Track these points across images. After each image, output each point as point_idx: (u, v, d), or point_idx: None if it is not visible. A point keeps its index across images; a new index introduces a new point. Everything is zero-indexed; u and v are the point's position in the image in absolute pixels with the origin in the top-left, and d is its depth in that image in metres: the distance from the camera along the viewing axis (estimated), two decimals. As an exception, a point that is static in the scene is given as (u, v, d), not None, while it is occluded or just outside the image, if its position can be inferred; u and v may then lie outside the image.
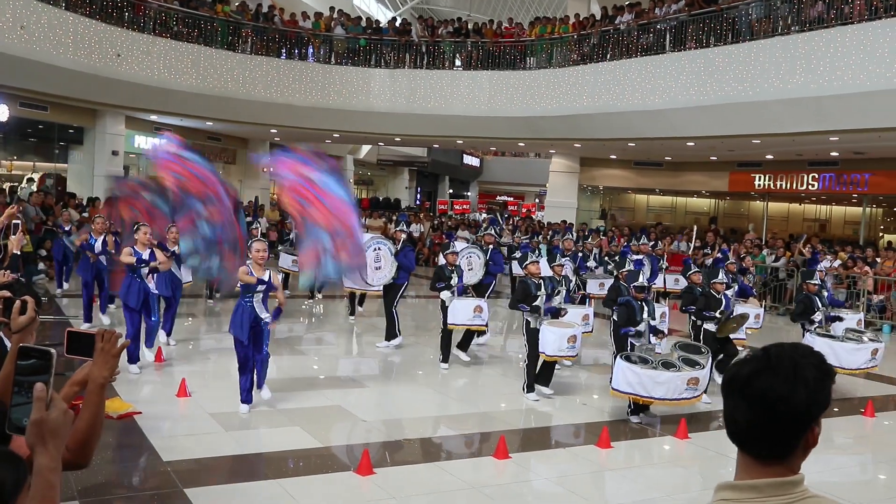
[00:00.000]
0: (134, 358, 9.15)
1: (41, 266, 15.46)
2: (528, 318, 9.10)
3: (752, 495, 1.61)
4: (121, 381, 8.61)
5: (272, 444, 7.16)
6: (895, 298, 16.66)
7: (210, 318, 13.46)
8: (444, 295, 10.61)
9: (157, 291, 9.47)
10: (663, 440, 8.02)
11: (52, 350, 1.85)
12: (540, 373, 9.24)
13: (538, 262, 9.46)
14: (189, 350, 10.66)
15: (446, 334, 10.59)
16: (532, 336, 9.06)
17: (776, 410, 1.58)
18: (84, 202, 19.81)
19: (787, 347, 1.67)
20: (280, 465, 6.56)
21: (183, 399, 8.31)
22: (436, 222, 28.20)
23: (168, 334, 10.76)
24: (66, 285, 14.35)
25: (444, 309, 10.56)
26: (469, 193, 43.74)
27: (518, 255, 16.20)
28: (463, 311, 10.55)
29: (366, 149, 33.98)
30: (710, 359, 8.75)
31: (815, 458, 6.34)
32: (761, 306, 12.82)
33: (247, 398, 7.95)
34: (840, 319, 10.83)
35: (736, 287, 11.59)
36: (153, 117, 22.88)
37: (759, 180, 24.46)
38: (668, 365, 8.19)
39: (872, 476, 7.60)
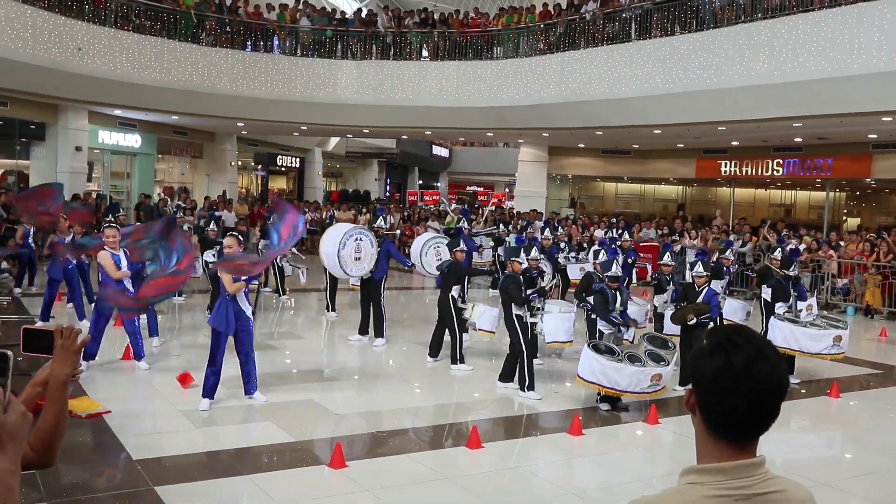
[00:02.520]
0: (90, 355, 9.07)
1: (4, 265, 15.23)
2: (519, 313, 9.02)
3: (719, 478, 1.65)
4: (88, 381, 8.52)
5: (244, 440, 7.13)
6: (859, 281, 16.94)
7: (178, 315, 13.35)
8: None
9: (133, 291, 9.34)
10: (634, 426, 8.10)
11: (9, 352, 1.82)
12: (508, 369, 9.28)
13: (521, 261, 9.43)
14: (159, 347, 10.56)
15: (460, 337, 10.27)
16: (526, 330, 9.04)
17: (777, 395, 1.66)
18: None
19: (746, 330, 1.74)
20: (252, 461, 6.53)
21: (154, 396, 8.25)
22: (406, 214, 28.17)
23: (153, 335, 10.66)
24: (32, 288, 14.17)
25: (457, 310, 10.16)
26: (439, 184, 43.70)
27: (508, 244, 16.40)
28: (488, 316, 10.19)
29: (334, 141, 33.81)
30: (678, 353, 8.80)
31: (783, 438, 6.47)
32: (744, 299, 12.91)
33: (209, 393, 7.88)
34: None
35: (726, 280, 11.64)
36: (117, 112, 22.59)
37: (726, 167, 24.73)
38: (633, 358, 8.26)
39: (839, 454, 7.75)
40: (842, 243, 18.14)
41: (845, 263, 17.35)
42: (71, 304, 11.91)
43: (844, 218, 26.21)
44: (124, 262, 9.17)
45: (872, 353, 12.60)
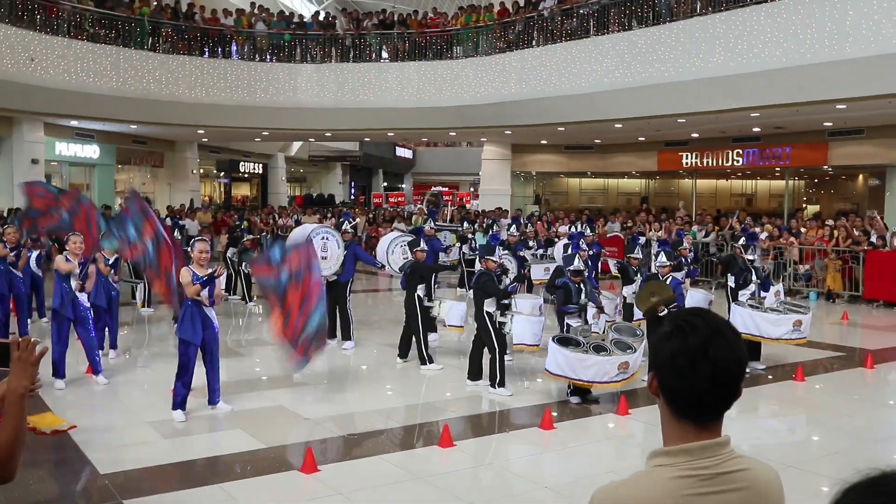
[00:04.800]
0: (60, 373, 8.89)
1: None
2: (490, 310, 9.04)
3: (685, 459, 1.67)
4: (51, 396, 8.37)
5: (213, 449, 7.04)
6: (819, 267, 17.20)
7: (141, 326, 13.17)
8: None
9: (88, 304, 9.18)
10: (605, 418, 8.14)
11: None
12: (476, 367, 9.28)
13: (495, 259, 9.43)
14: (125, 359, 10.40)
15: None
16: (498, 328, 9.04)
17: (735, 373, 1.68)
18: (5, 213, 19.14)
19: (706, 312, 1.75)
20: (222, 470, 6.45)
21: (119, 409, 8.12)
22: (371, 216, 28.07)
23: (112, 347, 10.50)
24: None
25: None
26: (403, 185, 43.66)
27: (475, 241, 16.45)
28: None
29: (296, 145, 33.61)
30: (646, 342, 8.86)
31: (750, 422, 6.53)
32: (712, 290, 13.04)
33: (181, 405, 7.78)
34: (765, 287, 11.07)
35: (686, 271, 11.72)
36: (73, 123, 22.24)
37: (687, 159, 24.99)
38: (599, 349, 8.30)
39: (805, 438, 7.85)
40: (802, 230, 18.42)
41: (806, 250, 17.62)
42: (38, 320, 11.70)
43: (804, 205, 26.61)
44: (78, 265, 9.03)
45: (835, 337, 12.81)
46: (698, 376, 1.65)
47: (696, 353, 1.65)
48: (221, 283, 8.04)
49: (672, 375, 1.68)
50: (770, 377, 9.93)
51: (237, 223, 18.34)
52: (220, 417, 7.89)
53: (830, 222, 18.46)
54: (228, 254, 16.27)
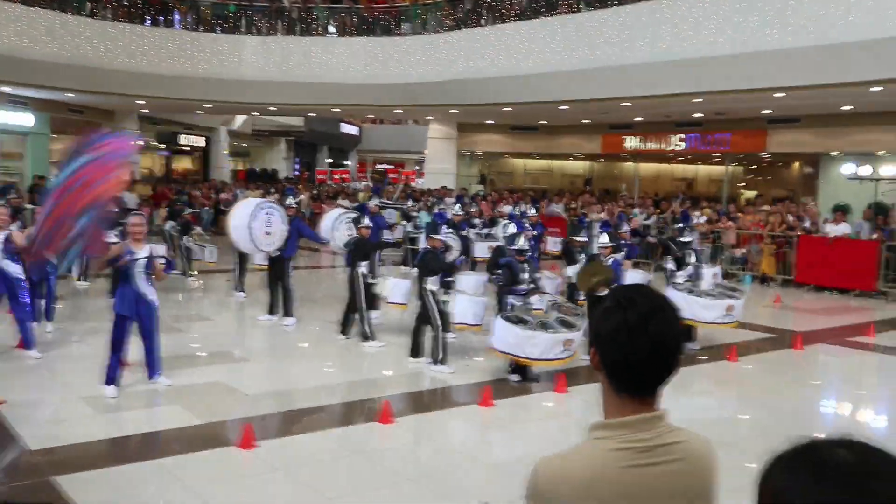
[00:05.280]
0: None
1: None
2: (433, 288, 9.05)
3: (624, 431, 1.71)
4: (-18, 370, 8.12)
5: (150, 425, 6.94)
6: (755, 251, 17.63)
7: (78, 300, 12.86)
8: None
9: (22, 276, 8.90)
10: (544, 396, 8.25)
11: None
12: (416, 345, 9.31)
13: (441, 238, 9.42)
14: (58, 333, 10.15)
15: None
16: (440, 307, 9.04)
17: (673, 348, 1.72)
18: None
19: (646, 288, 1.80)
20: (159, 446, 6.36)
21: (52, 384, 7.93)
22: (315, 192, 27.79)
23: (48, 320, 10.22)
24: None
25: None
26: (348, 162, 43.30)
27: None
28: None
29: (240, 119, 33.02)
30: (585, 320, 8.97)
31: (684, 401, 6.65)
32: (650, 271, 13.22)
33: (111, 379, 7.61)
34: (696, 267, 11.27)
35: (625, 252, 11.86)
36: (6, 89, 21.44)
37: (630, 142, 25.29)
38: (545, 326, 8.38)
39: (735, 415, 8.07)
40: (740, 214, 18.83)
41: (743, 234, 18.03)
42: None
43: (741, 191, 27.19)
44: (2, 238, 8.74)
45: (768, 319, 13.16)
46: (638, 350, 1.69)
47: (637, 327, 1.69)
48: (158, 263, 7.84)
49: (613, 348, 1.72)
50: (705, 357, 10.16)
51: (177, 197, 18.00)
52: (159, 393, 7.76)
53: (766, 208, 18.90)
54: (167, 227, 15.98)
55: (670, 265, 11.24)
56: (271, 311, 11.56)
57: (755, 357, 10.45)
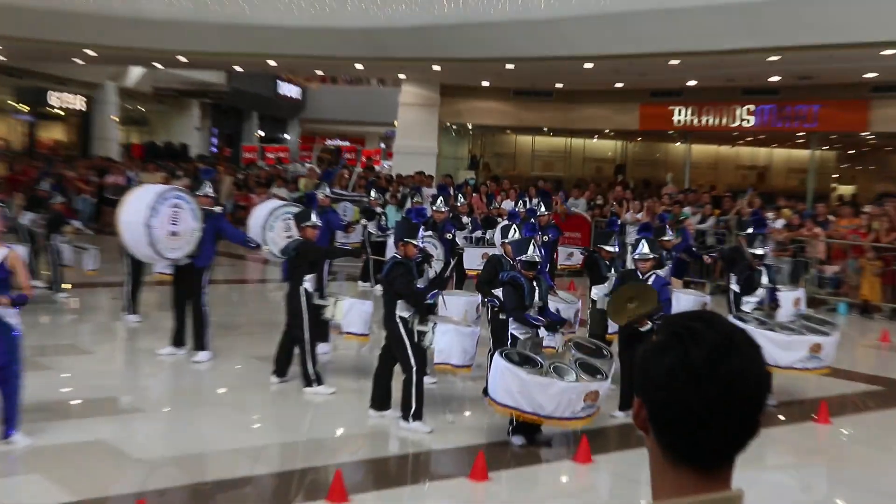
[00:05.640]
0: None
1: None
2: (405, 315, 8.97)
3: None
4: None
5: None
6: (853, 269, 17.64)
7: None
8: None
9: None
10: (558, 467, 8.21)
11: None
12: (382, 391, 9.26)
13: (417, 243, 9.34)
14: None
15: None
16: (415, 340, 8.97)
17: (754, 398, 1.70)
18: None
19: (713, 315, 1.77)
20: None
21: None
22: (240, 177, 27.71)
23: None
24: None
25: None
26: (287, 136, 43.25)
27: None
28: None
29: (136, 73, 32.91)
30: (615, 364, 8.95)
31: (752, 477, 6.59)
32: (706, 292, 13.21)
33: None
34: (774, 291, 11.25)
35: (669, 266, 11.85)
36: None
37: (680, 115, 25.37)
38: (560, 371, 8.33)
39: (825, 500, 8.05)
40: (831, 218, 18.87)
41: (835, 245, 18.07)
42: None
43: (834, 185, 27.33)
44: None
45: (871, 365, 13.21)
46: (703, 402, 1.66)
47: (701, 371, 1.66)
48: (23, 271, 7.79)
49: (668, 400, 1.69)
50: (782, 417, 10.15)
51: (42, 178, 17.79)
52: (15, 456, 7.65)
53: (869, 209, 18.96)
54: (25, 221, 15.68)
55: (734, 286, 11.25)
56: (177, 341, 11.46)
57: (853, 419, 10.45)
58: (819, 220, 18.67)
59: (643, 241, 10.07)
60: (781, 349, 10.07)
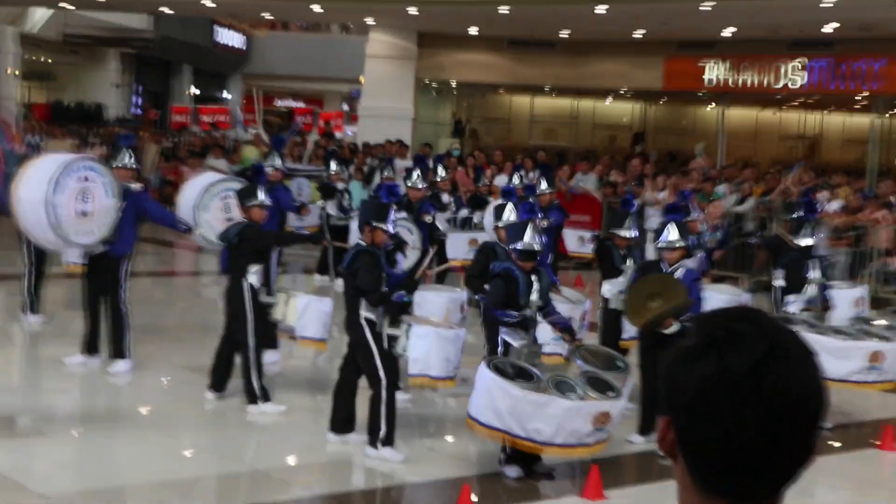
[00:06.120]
0: None
1: None
2: (370, 316, 8.93)
3: None
4: None
5: None
6: (924, 262, 17.72)
7: None
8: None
9: None
10: (563, 503, 8.18)
11: None
12: (344, 412, 9.23)
13: (387, 227, 9.31)
14: None
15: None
16: (382, 343, 8.93)
17: (807, 418, 1.68)
18: None
19: (758, 314, 1.73)
20: None
21: None
22: (168, 145, 27.60)
23: None
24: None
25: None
26: (227, 95, 43.14)
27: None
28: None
29: (40, 16, 32.77)
30: (630, 376, 8.92)
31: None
32: (742, 289, 13.20)
33: None
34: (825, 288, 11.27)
35: (701, 256, 11.83)
36: None
37: (713, 71, 25.40)
38: (563, 387, 8.29)
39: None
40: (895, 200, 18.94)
41: (903, 232, 18.12)
42: None
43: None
44: None
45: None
46: (744, 422, 1.63)
47: (743, 384, 1.64)
48: None
49: (700, 421, 1.67)
50: (838, 443, 10.17)
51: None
52: None
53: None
54: None
55: (779, 281, 11.26)
56: (89, 348, 11.40)
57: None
58: (883, 201, 18.72)
59: (670, 225, 10.03)
60: (834, 357, 10.04)
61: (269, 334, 10.53)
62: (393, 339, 9.00)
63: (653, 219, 17.75)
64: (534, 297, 9.03)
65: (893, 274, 17.99)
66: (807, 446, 1.67)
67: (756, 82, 24.97)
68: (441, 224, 14.47)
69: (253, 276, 10.06)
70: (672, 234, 9.87)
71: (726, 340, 1.67)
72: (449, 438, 9.59)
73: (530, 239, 9.13)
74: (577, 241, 16.03)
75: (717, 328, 1.70)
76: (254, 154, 22.71)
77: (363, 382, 9.08)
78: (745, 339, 1.66)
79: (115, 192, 11.11)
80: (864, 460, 9.81)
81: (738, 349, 1.65)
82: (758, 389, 1.63)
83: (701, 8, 20.16)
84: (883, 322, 11.30)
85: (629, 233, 11.15)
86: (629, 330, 10.27)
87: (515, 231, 9.39)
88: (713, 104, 27.73)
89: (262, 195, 10.54)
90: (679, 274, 9.68)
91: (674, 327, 8.98)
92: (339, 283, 10.69)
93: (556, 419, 8.06)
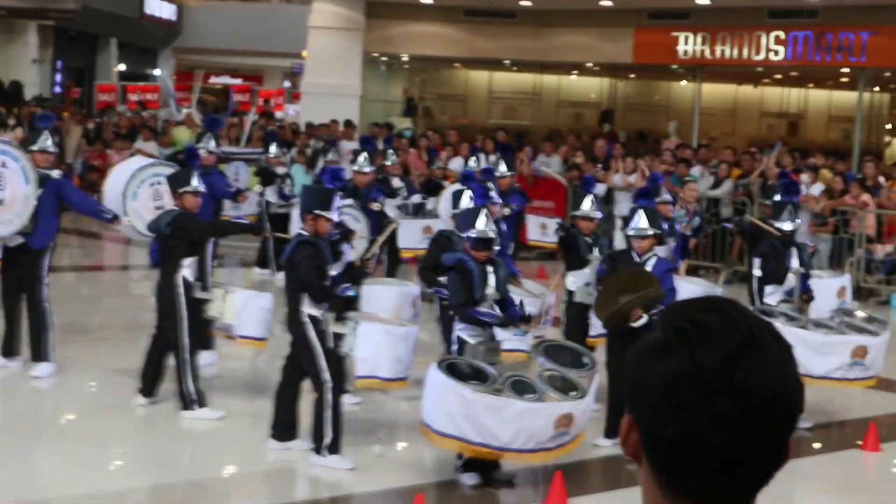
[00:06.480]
0: None
1: None
2: (314, 313, 8.93)
3: None
4: None
5: None
6: (911, 250, 17.85)
7: None
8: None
9: None
10: (524, 513, 8.27)
11: None
12: (286, 416, 9.25)
13: (331, 216, 9.32)
14: None
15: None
16: (331, 346, 8.95)
17: (782, 417, 1.67)
18: None
19: (728, 304, 1.74)
20: None
21: None
22: (93, 126, 27.44)
23: None
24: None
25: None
26: (157, 72, 42.91)
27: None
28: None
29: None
30: (597, 374, 8.96)
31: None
32: (719, 280, 13.28)
33: None
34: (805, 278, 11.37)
35: (673, 242, 11.89)
36: None
37: (686, 44, 25.46)
38: (522, 387, 8.32)
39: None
40: (884, 182, 19.05)
41: (889, 218, 18.26)
42: None
43: (888, 139, 27.61)
44: None
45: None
46: (714, 421, 1.63)
47: (713, 379, 1.64)
48: None
49: (666, 420, 1.66)
50: (819, 444, 10.29)
51: None
52: None
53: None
54: None
55: (757, 271, 11.35)
56: (7, 350, 11.37)
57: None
58: (868, 184, 18.81)
59: (640, 211, 10.07)
60: (815, 353, 10.12)
61: (204, 333, 10.54)
62: (339, 338, 9.01)
63: (622, 204, 17.86)
64: (489, 290, 9.06)
65: (878, 263, 18.11)
66: (781, 447, 1.67)
67: (734, 55, 25.04)
68: (391, 211, 14.45)
69: (186, 269, 10.04)
70: (642, 220, 9.90)
71: (695, 333, 1.66)
72: (401, 444, 9.64)
73: (484, 226, 9.13)
74: (538, 228, 15.94)
75: (686, 320, 1.68)
76: (185, 136, 22.65)
77: (307, 385, 9.11)
78: (716, 332, 1.65)
79: (32, 178, 11.07)
80: (846, 462, 9.93)
81: (707, 343, 1.64)
82: (729, 386, 1.62)
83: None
84: (863, 314, 11.42)
85: (593, 213, 11.14)
86: (597, 326, 10.19)
87: (467, 218, 9.38)
88: (687, 79, 27.81)
89: (195, 181, 10.52)
90: (650, 264, 9.74)
91: (642, 320, 9.00)
92: (280, 277, 10.72)
93: (513, 423, 8.06)
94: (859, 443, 10.14)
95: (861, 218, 18.07)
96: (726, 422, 1.63)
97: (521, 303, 9.63)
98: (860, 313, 11.42)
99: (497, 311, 8.94)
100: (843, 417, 11.03)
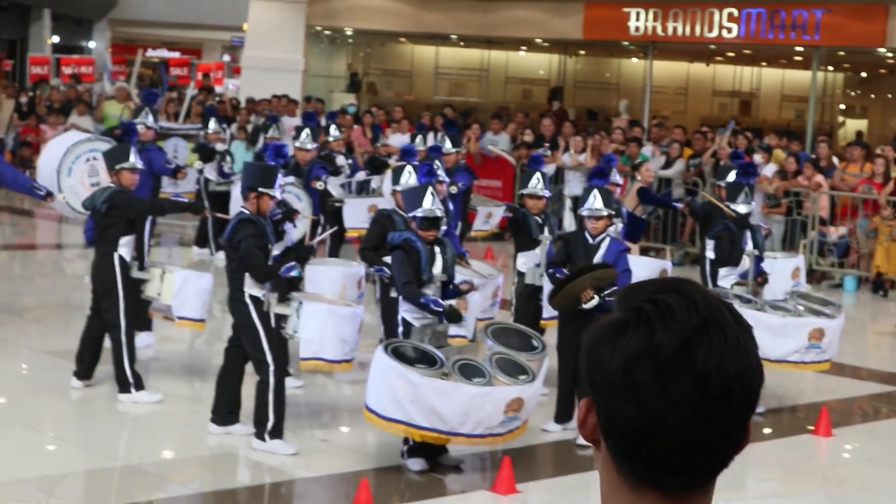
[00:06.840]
0: None
1: None
2: (256, 293, 8.89)
3: None
4: None
5: None
6: (864, 231, 17.94)
7: None
8: None
9: None
10: (472, 499, 8.29)
11: None
12: (228, 398, 9.22)
13: (275, 193, 9.26)
14: None
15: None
16: (274, 328, 8.95)
17: (742, 398, 1.67)
18: None
19: (687, 285, 1.74)
20: None
21: None
22: (25, 100, 27.23)
23: None
24: None
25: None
26: (92, 44, 42.60)
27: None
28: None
29: None
30: (547, 358, 8.97)
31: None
32: (670, 258, 13.33)
33: None
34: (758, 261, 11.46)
35: (621, 225, 11.90)
36: None
37: (638, 20, 25.48)
38: (470, 371, 8.32)
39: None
40: (837, 162, 19.17)
41: (843, 199, 18.38)
42: None
43: (842, 119, 27.79)
44: None
45: (885, 358, 13.52)
46: (674, 403, 1.63)
47: (672, 360, 1.63)
48: None
49: (625, 402, 1.66)
50: (770, 429, 10.36)
51: None
52: None
53: (886, 150, 19.26)
54: None
55: (710, 252, 11.42)
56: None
57: (863, 429, 10.71)
58: (821, 165, 18.93)
59: (595, 191, 10.09)
60: (772, 336, 10.18)
61: (141, 314, 10.49)
62: (282, 319, 9.00)
63: (572, 183, 17.93)
64: (437, 270, 9.05)
65: (830, 245, 18.24)
66: (741, 429, 1.67)
67: (686, 32, 25.05)
68: (334, 190, 14.42)
69: (123, 248, 9.99)
70: (597, 201, 9.92)
71: (654, 313, 1.65)
72: (345, 429, 9.63)
73: (431, 205, 9.12)
74: (484, 218, 15.92)
75: (644, 300, 1.68)
76: (116, 110, 22.51)
77: (249, 368, 9.11)
78: (675, 312, 1.65)
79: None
80: (797, 447, 10.03)
81: (666, 323, 1.64)
82: (689, 366, 1.62)
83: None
84: (818, 296, 11.53)
85: (541, 191, 11.14)
86: (550, 308, 10.26)
87: (414, 196, 9.36)
88: (639, 56, 27.88)
89: (132, 157, 10.46)
90: (604, 246, 9.77)
91: (594, 301, 9.04)
92: (221, 257, 10.70)
93: (461, 407, 8.07)
94: (811, 428, 10.26)
95: (814, 200, 18.19)
96: (686, 403, 1.63)
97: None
98: (815, 295, 11.52)
99: (441, 300, 8.92)
100: (795, 402, 11.13)
